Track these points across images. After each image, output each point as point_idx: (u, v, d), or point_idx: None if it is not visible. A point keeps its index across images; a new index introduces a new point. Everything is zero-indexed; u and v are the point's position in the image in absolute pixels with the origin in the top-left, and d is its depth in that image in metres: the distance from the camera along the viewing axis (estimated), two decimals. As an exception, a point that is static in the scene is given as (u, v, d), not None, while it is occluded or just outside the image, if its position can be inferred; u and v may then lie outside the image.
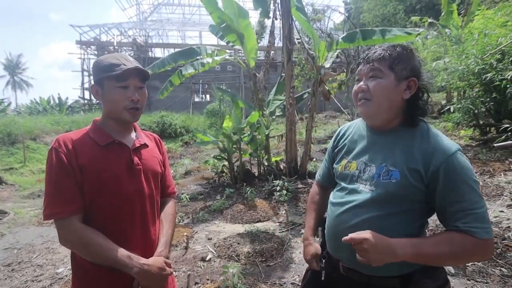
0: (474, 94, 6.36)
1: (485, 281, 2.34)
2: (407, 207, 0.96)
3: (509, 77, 4.94)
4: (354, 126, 1.19)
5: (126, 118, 1.11)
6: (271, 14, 6.11)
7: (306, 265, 1.26)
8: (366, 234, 0.88)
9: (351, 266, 1.04)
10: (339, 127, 1.45)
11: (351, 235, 0.90)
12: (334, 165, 1.19)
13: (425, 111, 1.01)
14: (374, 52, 1.00)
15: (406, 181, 0.93)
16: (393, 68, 0.97)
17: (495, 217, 3.28)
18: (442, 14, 10.34)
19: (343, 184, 1.10)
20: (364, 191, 1.00)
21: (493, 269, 2.46)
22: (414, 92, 0.98)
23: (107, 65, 1.07)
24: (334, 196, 1.14)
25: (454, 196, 0.89)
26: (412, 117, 1.00)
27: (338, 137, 1.23)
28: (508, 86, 5.21)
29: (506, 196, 3.79)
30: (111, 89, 1.08)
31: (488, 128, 6.79)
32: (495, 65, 5.36)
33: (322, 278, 1.13)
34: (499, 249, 2.65)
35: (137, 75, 1.11)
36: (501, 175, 4.53)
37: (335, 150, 1.21)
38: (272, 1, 6.07)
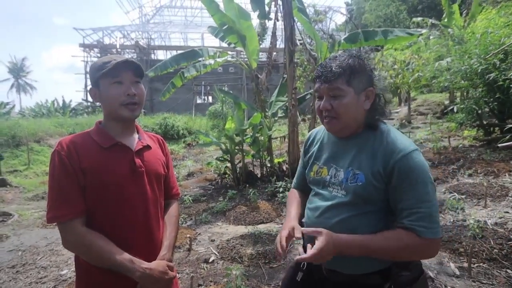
0: (478, 94, 6.31)
1: (490, 283, 2.31)
2: (375, 207, 1.01)
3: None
4: (323, 132, 1.22)
5: (124, 114, 1.10)
6: (272, 16, 6.12)
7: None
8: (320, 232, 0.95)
9: (332, 267, 1.07)
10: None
11: (302, 229, 1.00)
12: (306, 171, 1.22)
13: (383, 113, 1.08)
14: (330, 70, 1.01)
15: (370, 183, 0.98)
16: (351, 83, 1.00)
17: (500, 218, 3.25)
18: (444, 16, 10.32)
19: (316, 190, 1.15)
20: (336, 195, 1.06)
21: (498, 271, 2.43)
22: (372, 100, 1.05)
23: (100, 64, 1.09)
24: (309, 202, 1.18)
25: (403, 194, 0.94)
26: (372, 122, 1.06)
27: (308, 143, 1.27)
28: (511, 86, 5.17)
29: (511, 196, 3.76)
30: (106, 87, 1.08)
31: (492, 128, 6.73)
32: (498, 65, 5.32)
33: (298, 279, 1.16)
34: (505, 251, 2.62)
35: (130, 69, 1.10)
36: (505, 175, 4.48)
37: (307, 156, 1.25)
38: (273, 3, 6.08)
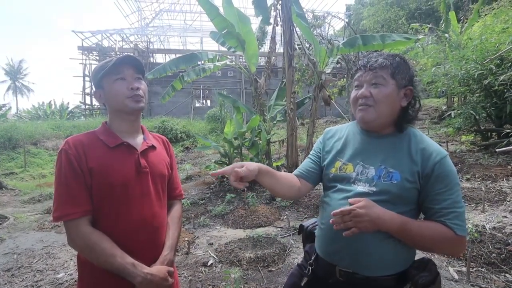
0: (475, 99, 6.36)
1: (489, 287, 2.32)
2: (406, 207, 1.01)
3: (505, 81, 4.95)
4: (346, 129, 1.21)
5: (131, 106, 1.11)
6: (272, 21, 6.17)
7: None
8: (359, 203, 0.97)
9: (349, 269, 1.04)
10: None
11: (340, 209, 0.97)
12: (326, 168, 1.18)
13: (415, 117, 1.08)
14: (376, 60, 1.04)
15: (406, 182, 0.99)
16: (395, 76, 1.03)
17: (498, 222, 3.26)
18: (441, 22, 10.44)
19: (339, 186, 1.11)
20: (365, 192, 1.03)
21: (497, 275, 2.44)
22: (409, 100, 1.06)
23: (102, 65, 1.12)
24: (330, 198, 1.13)
25: (442, 195, 0.97)
26: (402, 123, 1.07)
27: (327, 138, 1.24)
28: (505, 90, 5.22)
29: (509, 201, 3.77)
30: (110, 84, 1.11)
31: (489, 133, 6.78)
32: (494, 70, 5.38)
33: (302, 284, 1.14)
34: (503, 255, 2.62)
35: (131, 65, 1.13)
36: (503, 180, 4.51)
37: (324, 150, 1.22)
38: (273, 8, 6.14)
